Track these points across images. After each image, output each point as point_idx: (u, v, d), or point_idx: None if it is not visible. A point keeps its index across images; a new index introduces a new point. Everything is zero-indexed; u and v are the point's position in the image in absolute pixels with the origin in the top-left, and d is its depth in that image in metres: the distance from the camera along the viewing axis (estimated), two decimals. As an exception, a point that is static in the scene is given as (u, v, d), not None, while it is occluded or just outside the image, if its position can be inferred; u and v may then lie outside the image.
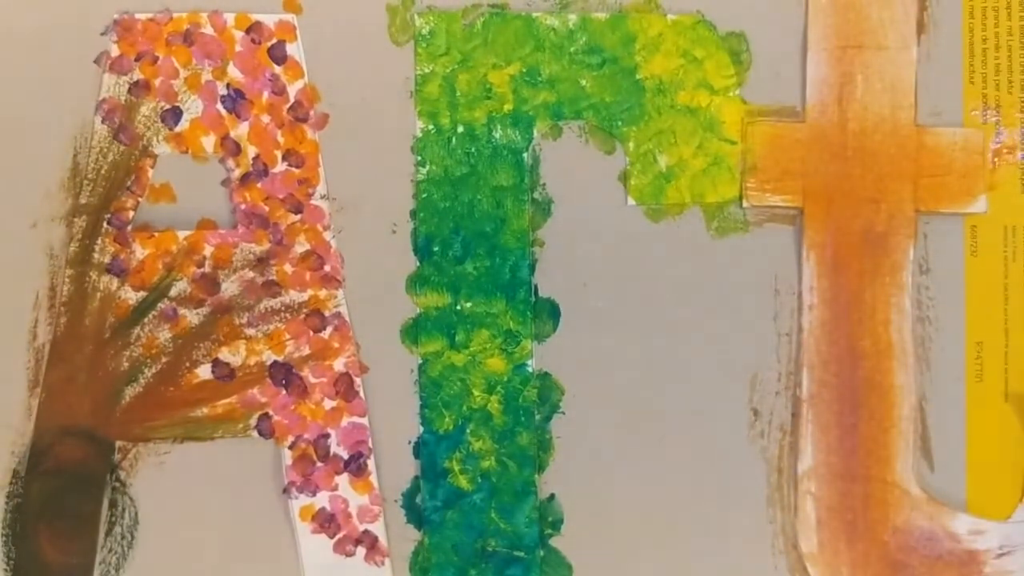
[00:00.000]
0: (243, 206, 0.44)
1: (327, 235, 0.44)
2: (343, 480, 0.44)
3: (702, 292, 0.45)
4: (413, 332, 0.45)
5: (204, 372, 0.44)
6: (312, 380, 0.44)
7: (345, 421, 0.44)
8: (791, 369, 0.45)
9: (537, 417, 0.45)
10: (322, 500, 0.44)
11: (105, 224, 0.44)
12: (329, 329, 0.44)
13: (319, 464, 0.44)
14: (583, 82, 0.45)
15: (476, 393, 0.45)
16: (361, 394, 0.44)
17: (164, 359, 0.44)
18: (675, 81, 0.45)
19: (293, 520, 0.44)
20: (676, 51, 0.45)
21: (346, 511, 0.44)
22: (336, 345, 0.44)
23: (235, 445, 0.44)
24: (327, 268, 0.44)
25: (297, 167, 0.44)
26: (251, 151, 0.44)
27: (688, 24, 0.45)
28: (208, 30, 0.44)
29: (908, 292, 0.45)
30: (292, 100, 0.44)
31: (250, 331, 0.44)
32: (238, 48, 0.44)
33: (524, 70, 0.45)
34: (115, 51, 0.44)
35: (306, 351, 0.44)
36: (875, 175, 0.45)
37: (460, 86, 0.45)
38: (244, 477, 0.44)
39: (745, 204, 0.45)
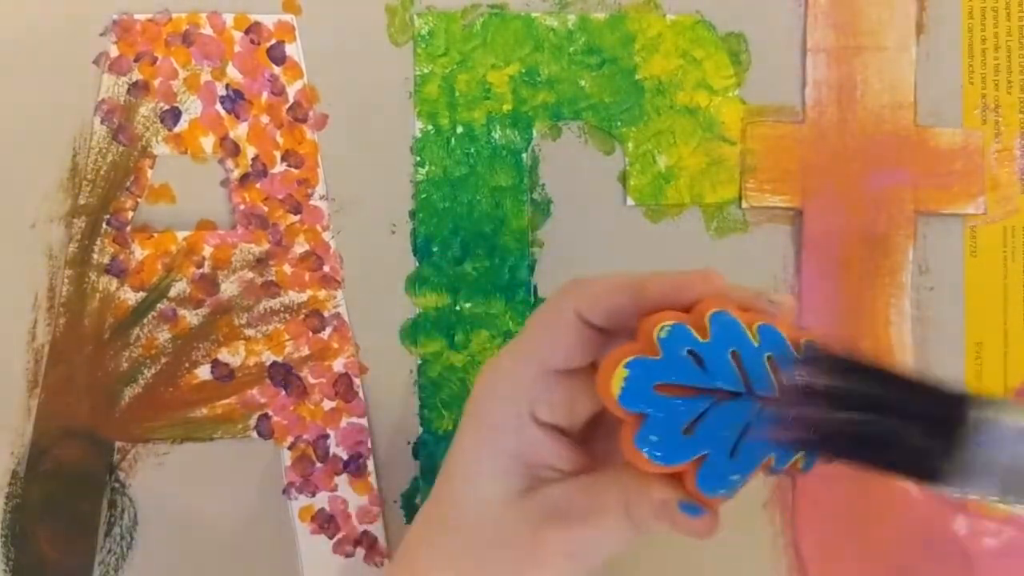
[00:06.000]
0: (242, 207, 0.44)
1: (326, 235, 0.44)
2: (342, 481, 0.44)
3: (701, 292, 0.45)
4: (412, 332, 0.45)
5: (203, 373, 0.44)
6: (311, 381, 0.44)
7: (344, 422, 0.44)
8: (790, 369, 0.45)
9: (536, 417, 0.45)
10: (321, 501, 0.44)
11: (104, 225, 0.44)
12: (328, 330, 0.44)
13: (318, 464, 0.44)
14: (582, 82, 0.45)
15: (475, 393, 0.45)
16: (360, 395, 0.44)
17: (163, 360, 0.44)
18: (674, 81, 0.45)
19: (293, 520, 0.44)
20: (675, 51, 0.45)
21: (345, 512, 0.44)
22: (335, 346, 0.44)
23: (234, 445, 0.44)
24: (326, 269, 0.44)
25: (296, 167, 0.44)
26: (250, 152, 0.44)
27: (687, 24, 0.45)
28: (207, 31, 0.44)
29: (908, 292, 0.45)
30: (291, 100, 0.44)
31: (249, 332, 0.44)
32: (237, 49, 0.44)
33: (523, 70, 0.45)
34: (114, 52, 0.44)
35: (305, 352, 0.44)
36: (875, 176, 0.45)
37: (459, 87, 0.45)
38: (243, 477, 0.44)
39: (744, 204, 0.45)
